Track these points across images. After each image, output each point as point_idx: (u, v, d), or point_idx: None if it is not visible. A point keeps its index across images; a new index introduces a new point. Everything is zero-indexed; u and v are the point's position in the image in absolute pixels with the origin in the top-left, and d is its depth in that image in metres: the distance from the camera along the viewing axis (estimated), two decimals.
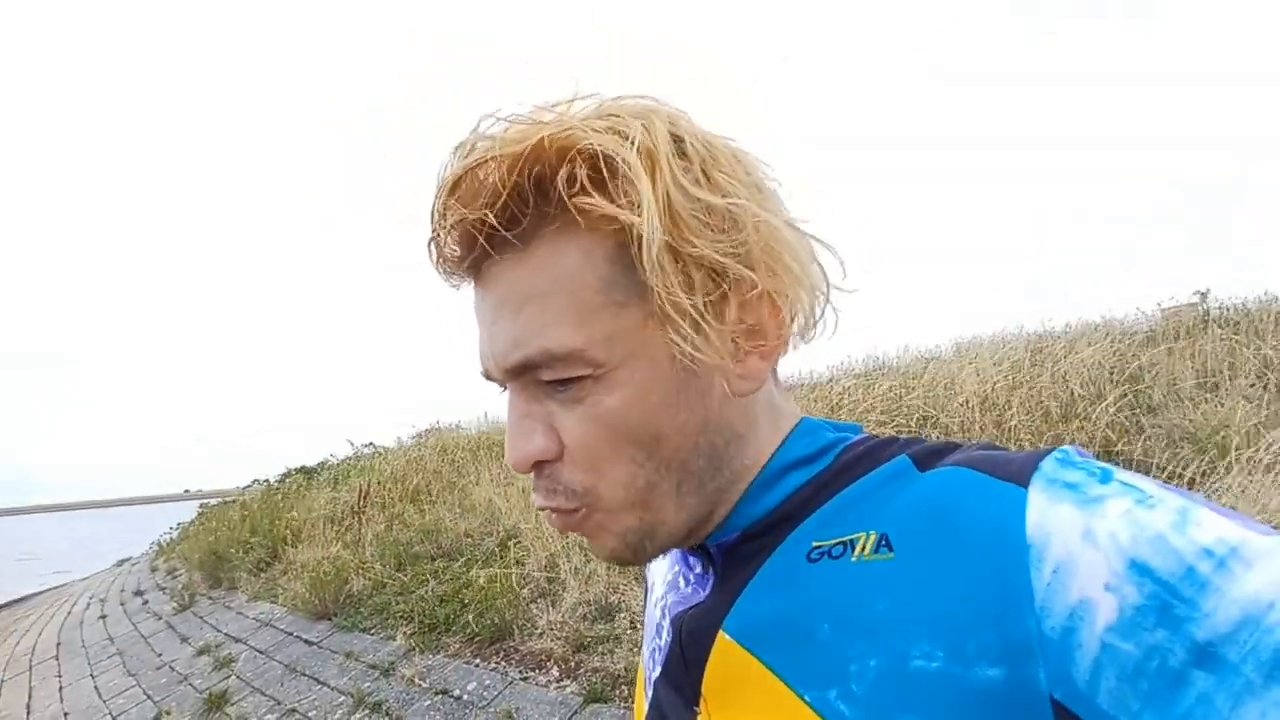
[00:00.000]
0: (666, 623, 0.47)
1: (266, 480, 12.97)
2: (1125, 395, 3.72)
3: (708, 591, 0.44)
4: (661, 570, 0.53)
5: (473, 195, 0.35)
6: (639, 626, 3.21)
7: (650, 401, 0.37)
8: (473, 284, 0.40)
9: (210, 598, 6.84)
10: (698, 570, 0.46)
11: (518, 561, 4.42)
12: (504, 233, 0.35)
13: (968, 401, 4.21)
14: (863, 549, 0.36)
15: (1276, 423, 2.83)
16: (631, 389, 0.37)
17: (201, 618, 6.08)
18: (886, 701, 0.32)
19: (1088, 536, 0.29)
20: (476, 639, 3.70)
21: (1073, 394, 3.90)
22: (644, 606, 0.59)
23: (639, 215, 0.33)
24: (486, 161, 0.35)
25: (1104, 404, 3.62)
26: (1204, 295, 4.58)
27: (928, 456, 0.38)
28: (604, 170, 0.34)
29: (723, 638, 0.40)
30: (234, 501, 11.82)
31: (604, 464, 0.38)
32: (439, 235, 0.38)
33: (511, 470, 0.40)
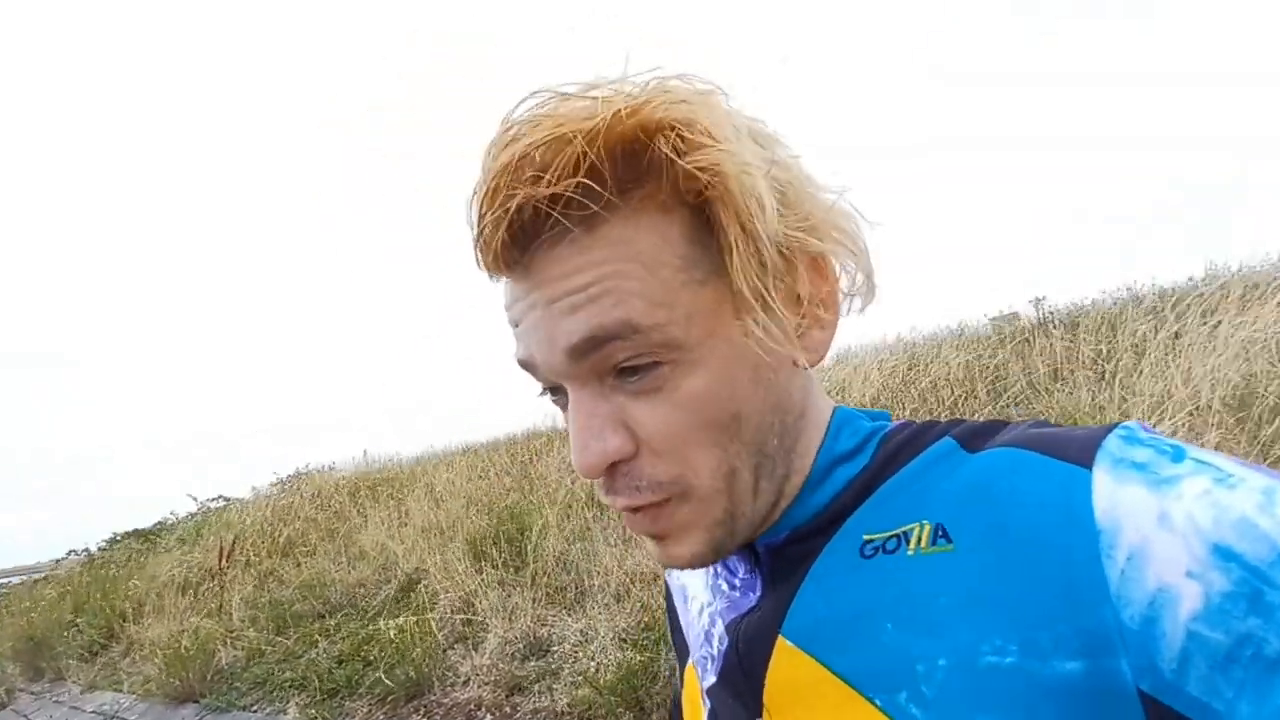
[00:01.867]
0: (719, 630, 0.45)
1: (87, 550, 11.10)
2: (990, 391, 4.18)
3: (758, 594, 0.42)
4: (698, 575, 0.51)
5: (540, 171, 0.32)
6: (580, 656, 3.06)
7: (732, 382, 0.35)
8: (514, 275, 0.37)
9: (32, 692, 5.66)
10: (742, 573, 0.44)
11: (429, 605, 4.08)
12: (578, 211, 0.33)
13: (859, 404, 4.53)
14: (919, 541, 0.34)
15: (1114, 406, 3.31)
16: (713, 370, 0.35)
17: (26, 716, 5.01)
18: (959, 702, 0.30)
19: (1163, 520, 0.27)
20: (390, 698, 3.35)
21: (952, 391, 4.33)
22: (674, 613, 0.57)
23: (730, 187, 0.32)
24: (556, 137, 0.32)
25: (978, 399, 4.04)
26: (1039, 301, 5.29)
27: (973, 437, 0.38)
28: (688, 142, 0.33)
29: (783, 643, 0.38)
30: (44, 578, 9.97)
31: (689, 451, 0.36)
32: (490, 220, 0.34)
33: (582, 476, 0.37)
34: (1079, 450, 0.31)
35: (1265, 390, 2.55)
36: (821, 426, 0.42)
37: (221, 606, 5.59)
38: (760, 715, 0.39)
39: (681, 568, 0.39)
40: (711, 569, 0.48)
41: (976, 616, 0.31)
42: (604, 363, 0.35)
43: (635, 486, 0.36)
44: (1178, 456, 0.29)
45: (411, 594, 4.37)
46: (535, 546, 4.14)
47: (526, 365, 0.38)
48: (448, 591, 4.09)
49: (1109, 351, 3.79)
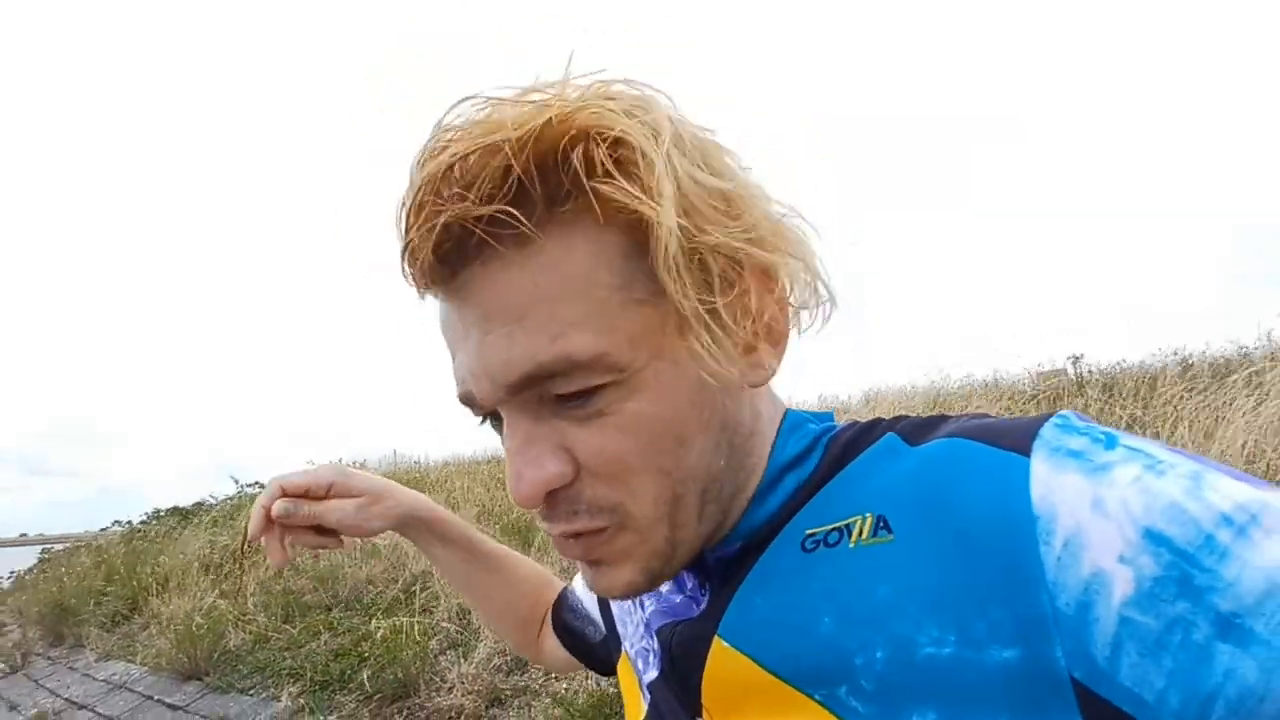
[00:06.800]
0: (652, 628, 0.45)
1: (129, 522, 11.57)
2: None
3: (702, 607, 0.41)
4: None
5: (467, 185, 0.31)
6: (559, 677, 3.05)
7: (677, 403, 0.34)
8: (444, 294, 0.35)
9: (49, 657, 5.90)
10: (690, 586, 0.44)
11: (425, 609, 4.12)
12: (509, 230, 0.31)
13: None
14: (860, 533, 0.34)
15: None
16: (657, 392, 0.34)
17: (37, 681, 5.22)
18: (899, 694, 0.30)
19: (1097, 506, 0.28)
20: (376, 696, 3.38)
21: None
22: (607, 600, 0.57)
23: (661, 205, 0.30)
24: (484, 147, 0.31)
25: None
26: (1077, 359, 5.10)
27: (915, 431, 0.37)
28: (619, 155, 0.31)
29: (719, 644, 0.38)
30: (84, 546, 10.45)
31: (632, 477, 0.34)
32: (417, 236, 0.32)
33: (519, 506, 0.36)
34: (1017, 438, 0.31)
35: None
36: (771, 437, 0.41)
37: (239, 589, 5.75)
38: (700, 715, 0.40)
39: (615, 598, 0.39)
40: None
41: (915, 606, 0.30)
42: (543, 394, 0.34)
43: (574, 510, 0.35)
44: (1110, 444, 0.30)
45: (414, 595, 4.42)
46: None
47: (466, 400, 0.37)
48: (448, 596, 4.13)
49: (1143, 416, 3.63)
